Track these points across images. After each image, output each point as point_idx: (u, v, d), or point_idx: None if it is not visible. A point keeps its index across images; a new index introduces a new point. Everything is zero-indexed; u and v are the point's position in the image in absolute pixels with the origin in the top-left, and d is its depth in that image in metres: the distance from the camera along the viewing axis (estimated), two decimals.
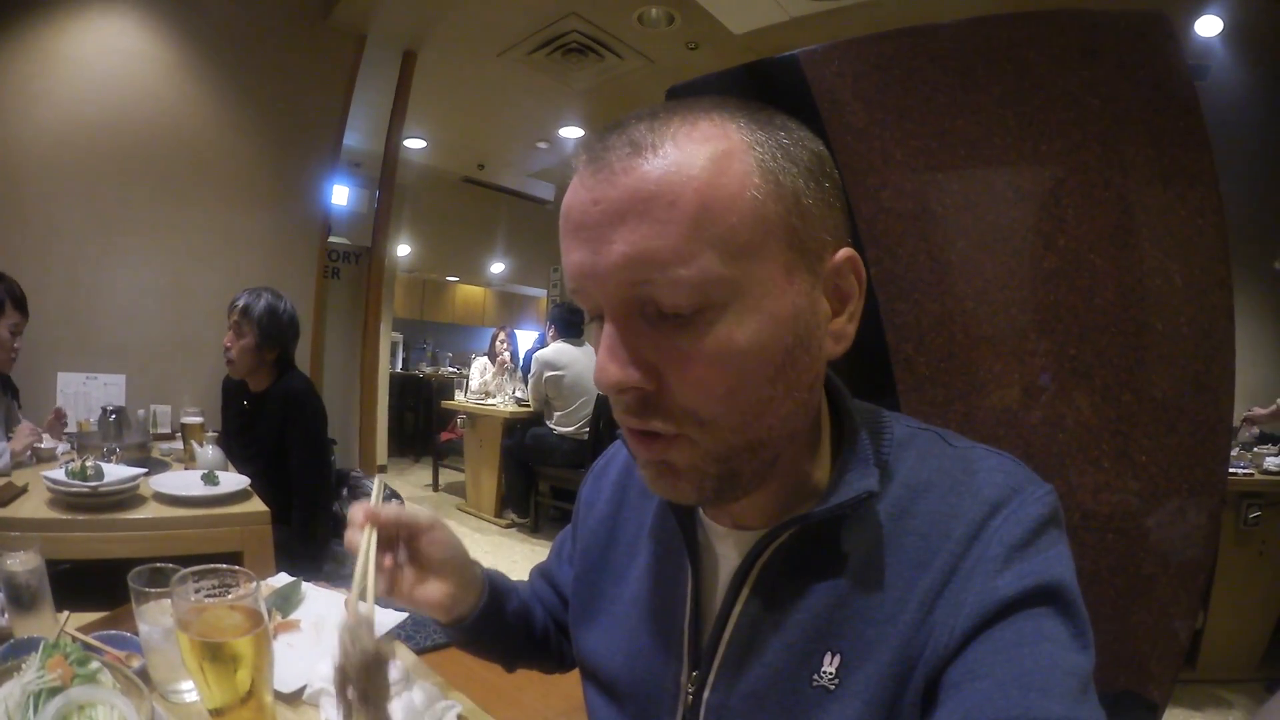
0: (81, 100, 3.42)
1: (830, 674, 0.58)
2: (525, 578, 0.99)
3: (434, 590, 0.77)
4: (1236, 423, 3.35)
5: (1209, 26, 3.72)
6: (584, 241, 0.53)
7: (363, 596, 0.66)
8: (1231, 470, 2.88)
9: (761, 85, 1.65)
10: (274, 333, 2.49)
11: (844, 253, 0.57)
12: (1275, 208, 3.94)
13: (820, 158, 0.57)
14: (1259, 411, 3.40)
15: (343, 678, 0.60)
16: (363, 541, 0.70)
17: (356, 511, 0.72)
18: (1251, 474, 3.07)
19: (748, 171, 0.52)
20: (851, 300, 0.59)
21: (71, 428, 2.83)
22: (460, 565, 0.79)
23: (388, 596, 0.75)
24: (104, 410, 2.57)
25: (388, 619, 1.23)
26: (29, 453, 2.27)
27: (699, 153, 0.51)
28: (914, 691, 0.54)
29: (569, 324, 5.02)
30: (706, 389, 0.53)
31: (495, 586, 0.85)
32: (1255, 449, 3.26)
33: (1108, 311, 1.43)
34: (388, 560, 0.74)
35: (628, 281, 0.52)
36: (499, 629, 0.85)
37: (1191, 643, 2.12)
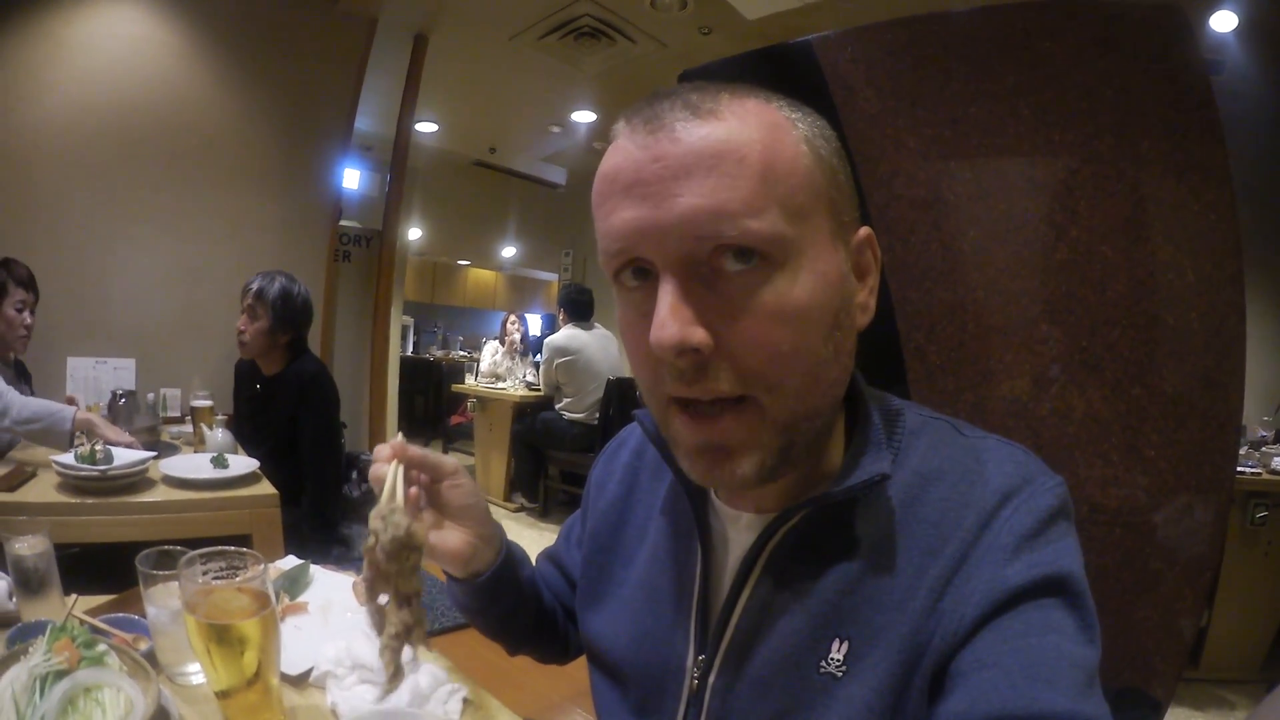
0: (91, 86, 3.40)
1: (838, 660, 0.58)
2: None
3: (453, 538, 0.75)
4: (1252, 422, 3.33)
5: (1224, 22, 3.64)
6: (641, 198, 0.53)
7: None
8: (1239, 469, 2.86)
9: (775, 71, 1.64)
10: (288, 316, 2.50)
11: (863, 230, 0.61)
12: None
13: (840, 144, 0.60)
14: None
15: (373, 567, 0.58)
16: (389, 474, 0.68)
17: (383, 448, 0.70)
18: (1259, 473, 3.04)
19: (798, 141, 0.55)
20: (870, 275, 0.61)
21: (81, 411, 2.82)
22: (481, 517, 0.77)
23: None
24: (114, 394, 2.58)
25: None
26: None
27: (755, 121, 0.53)
28: (921, 679, 0.54)
29: (579, 306, 5.01)
30: (771, 347, 0.53)
31: (512, 549, 0.84)
32: (1264, 449, 3.23)
33: (1119, 304, 1.42)
34: (412, 491, 0.72)
35: (694, 235, 0.51)
36: (512, 594, 0.83)
37: (1195, 641, 2.11)
